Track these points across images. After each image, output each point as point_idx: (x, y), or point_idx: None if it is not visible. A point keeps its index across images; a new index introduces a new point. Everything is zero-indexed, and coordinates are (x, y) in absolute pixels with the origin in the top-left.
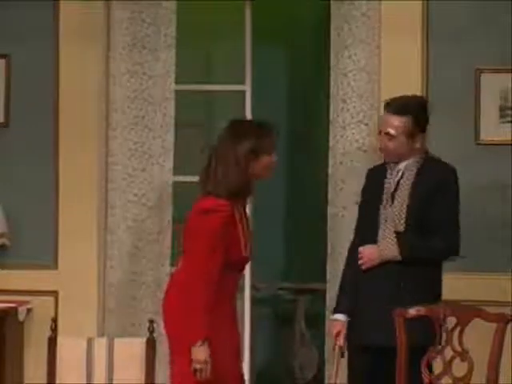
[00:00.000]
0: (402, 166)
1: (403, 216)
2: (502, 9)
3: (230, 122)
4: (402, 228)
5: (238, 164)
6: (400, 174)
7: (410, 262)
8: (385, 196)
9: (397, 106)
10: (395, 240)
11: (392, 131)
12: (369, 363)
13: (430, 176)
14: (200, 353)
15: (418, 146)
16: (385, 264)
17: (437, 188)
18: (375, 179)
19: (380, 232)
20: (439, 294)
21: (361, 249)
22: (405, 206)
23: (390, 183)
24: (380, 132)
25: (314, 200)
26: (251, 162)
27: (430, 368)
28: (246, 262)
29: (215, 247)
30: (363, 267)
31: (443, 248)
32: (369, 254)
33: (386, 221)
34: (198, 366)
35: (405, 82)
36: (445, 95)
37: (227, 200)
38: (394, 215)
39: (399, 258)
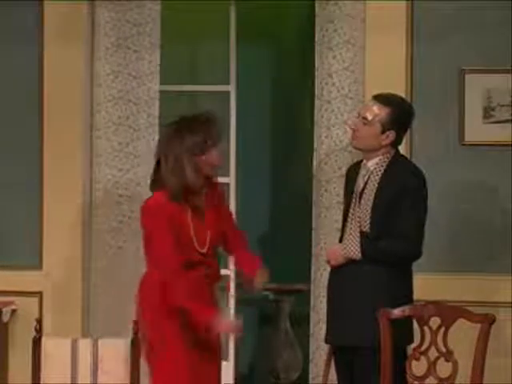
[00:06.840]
0: (371, 164)
1: (368, 217)
2: (487, 9)
3: (175, 120)
4: (367, 228)
5: (176, 163)
6: (368, 173)
7: (372, 262)
8: (354, 195)
9: (383, 96)
10: (359, 239)
11: (369, 116)
12: (346, 363)
13: (394, 180)
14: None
15: (385, 143)
16: (351, 263)
17: (400, 193)
18: (351, 177)
19: (347, 231)
20: (406, 296)
21: (327, 247)
22: (370, 208)
23: (359, 182)
24: (358, 115)
25: (299, 200)
26: (196, 157)
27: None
28: (204, 259)
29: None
30: (329, 265)
31: (403, 251)
32: (333, 252)
33: (353, 220)
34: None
35: (389, 82)
36: (429, 96)
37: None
38: (360, 215)
39: (360, 257)
